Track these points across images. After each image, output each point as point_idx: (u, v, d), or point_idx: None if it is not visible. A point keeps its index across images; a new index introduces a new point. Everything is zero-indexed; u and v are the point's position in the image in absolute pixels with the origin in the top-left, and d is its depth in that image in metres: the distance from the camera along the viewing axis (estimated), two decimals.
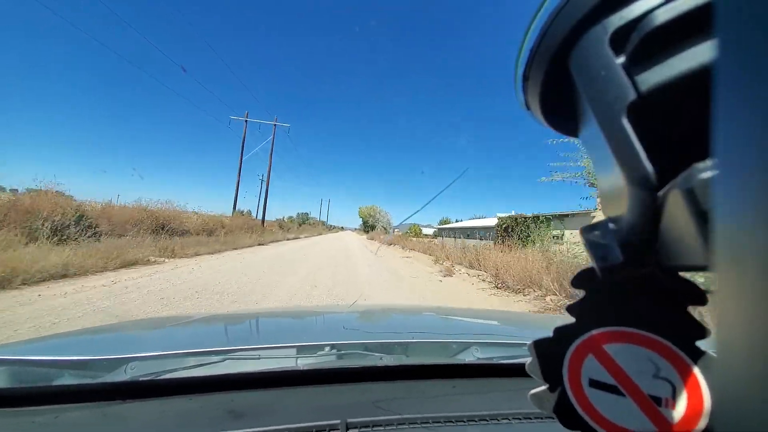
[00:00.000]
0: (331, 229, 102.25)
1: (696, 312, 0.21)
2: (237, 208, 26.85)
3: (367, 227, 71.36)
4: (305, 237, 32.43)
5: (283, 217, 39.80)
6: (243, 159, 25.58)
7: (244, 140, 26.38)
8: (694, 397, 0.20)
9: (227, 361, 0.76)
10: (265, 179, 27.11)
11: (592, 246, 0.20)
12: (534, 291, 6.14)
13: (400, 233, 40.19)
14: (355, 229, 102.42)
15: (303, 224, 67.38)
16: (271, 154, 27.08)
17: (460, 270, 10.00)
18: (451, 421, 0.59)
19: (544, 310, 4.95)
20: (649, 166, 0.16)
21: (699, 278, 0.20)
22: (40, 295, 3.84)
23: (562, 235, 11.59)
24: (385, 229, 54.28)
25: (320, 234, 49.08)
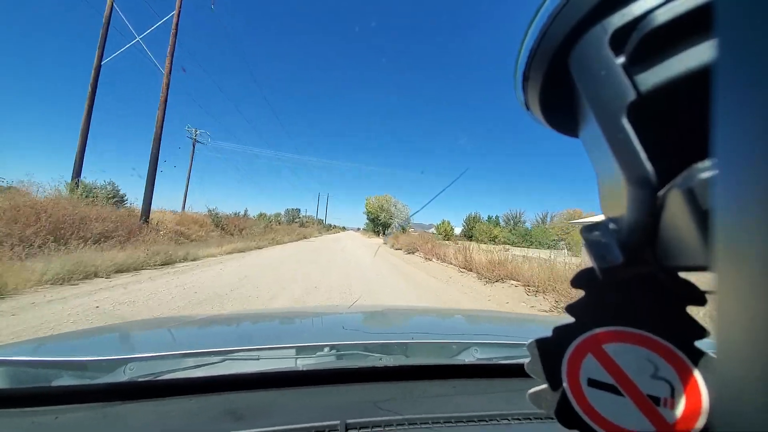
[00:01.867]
0: (330, 229, 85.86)
1: (695, 312, 0.21)
2: (107, 183, 11.92)
3: (377, 226, 52.37)
4: (228, 256, 9.37)
5: (245, 211, 23.72)
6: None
7: (108, 19, 11.36)
8: (693, 397, 0.20)
9: (227, 361, 0.75)
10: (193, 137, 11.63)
11: (591, 246, 0.20)
12: None
13: (417, 232, 26.74)
14: (358, 228, 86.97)
15: (292, 223, 51.87)
16: (175, 33, 11.61)
17: None
18: (451, 422, 0.58)
19: None
20: (649, 166, 0.16)
21: (699, 278, 0.19)
22: None
23: None
24: (403, 228, 38.46)
25: (304, 238, 27.14)
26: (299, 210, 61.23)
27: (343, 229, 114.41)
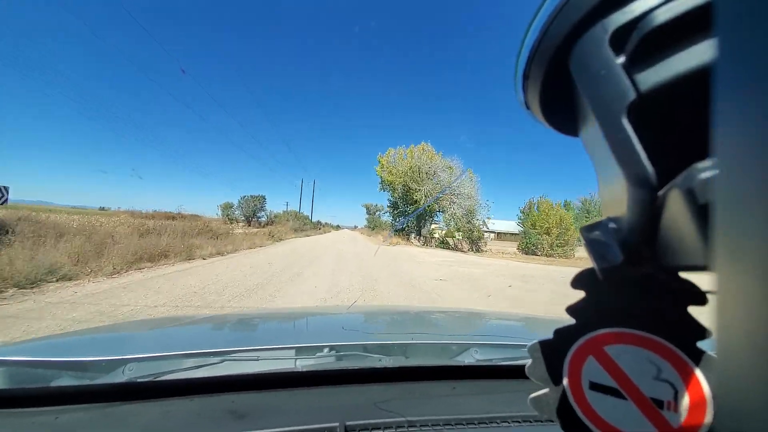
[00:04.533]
0: (320, 228, 64.49)
1: (696, 312, 0.20)
2: None
3: (401, 214, 25.27)
4: None
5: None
6: None
7: None
8: (696, 399, 0.20)
9: (226, 362, 0.75)
10: None
11: (592, 245, 0.20)
12: None
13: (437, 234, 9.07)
14: (355, 227, 65.76)
15: (251, 219, 31.09)
16: None
17: None
18: (450, 424, 0.58)
19: None
20: (649, 165, 0.16)
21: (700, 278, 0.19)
22: None
23: None
24: (472, 226, 15.31)
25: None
26: (264, 198, 36.46)
27: (337, 227, 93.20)
